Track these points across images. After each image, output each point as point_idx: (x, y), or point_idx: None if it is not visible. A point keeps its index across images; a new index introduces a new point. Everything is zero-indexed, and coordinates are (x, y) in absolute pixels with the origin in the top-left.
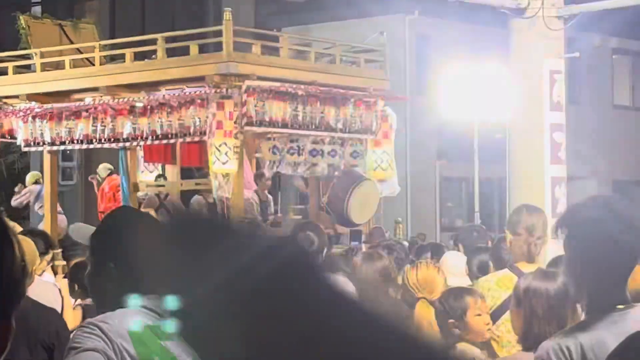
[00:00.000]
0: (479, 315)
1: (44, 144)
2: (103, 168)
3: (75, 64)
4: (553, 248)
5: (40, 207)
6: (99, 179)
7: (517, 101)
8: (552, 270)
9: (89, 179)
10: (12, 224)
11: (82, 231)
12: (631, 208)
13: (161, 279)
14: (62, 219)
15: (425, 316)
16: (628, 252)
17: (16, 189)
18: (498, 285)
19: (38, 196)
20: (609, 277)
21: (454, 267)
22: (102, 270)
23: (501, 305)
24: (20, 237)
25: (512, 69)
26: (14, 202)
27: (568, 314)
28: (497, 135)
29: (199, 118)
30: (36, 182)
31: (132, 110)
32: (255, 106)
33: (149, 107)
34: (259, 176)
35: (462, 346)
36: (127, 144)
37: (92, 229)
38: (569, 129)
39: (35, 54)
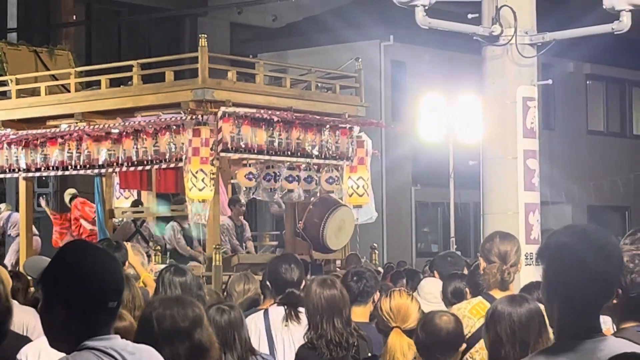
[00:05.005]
0: None
1: (19, 170)
2: (66, 194)
3: (50, 91)
4: (527, 274)
5: (16, 232)
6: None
7: (491, 128)
8: (520, 295)
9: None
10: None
11: (37, 265)
12: (607, 237)
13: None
14: (37, 240)
15: (398, 346)
16: (602, 282)
17: None
18: (472, 313)
19: (8, 221)
20: (579, 306)
21: (429, 295)
22: (49, 306)
23: (475, 333)
24: None
25: (485, 95)
26: None
27: (532, 339)
28: (471, 161)
29: (175, 144)
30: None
31: (107, 136)
32: (231, 132)
33: (124, 133)
34: (233, 202)
35: None
36: (103, 170)
37: (46, 261)
38: (543, 155)
39: (11, 80)
